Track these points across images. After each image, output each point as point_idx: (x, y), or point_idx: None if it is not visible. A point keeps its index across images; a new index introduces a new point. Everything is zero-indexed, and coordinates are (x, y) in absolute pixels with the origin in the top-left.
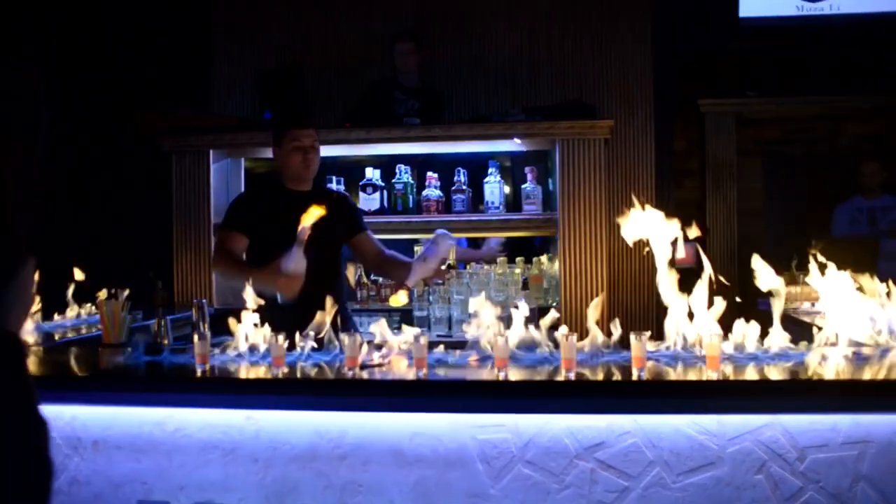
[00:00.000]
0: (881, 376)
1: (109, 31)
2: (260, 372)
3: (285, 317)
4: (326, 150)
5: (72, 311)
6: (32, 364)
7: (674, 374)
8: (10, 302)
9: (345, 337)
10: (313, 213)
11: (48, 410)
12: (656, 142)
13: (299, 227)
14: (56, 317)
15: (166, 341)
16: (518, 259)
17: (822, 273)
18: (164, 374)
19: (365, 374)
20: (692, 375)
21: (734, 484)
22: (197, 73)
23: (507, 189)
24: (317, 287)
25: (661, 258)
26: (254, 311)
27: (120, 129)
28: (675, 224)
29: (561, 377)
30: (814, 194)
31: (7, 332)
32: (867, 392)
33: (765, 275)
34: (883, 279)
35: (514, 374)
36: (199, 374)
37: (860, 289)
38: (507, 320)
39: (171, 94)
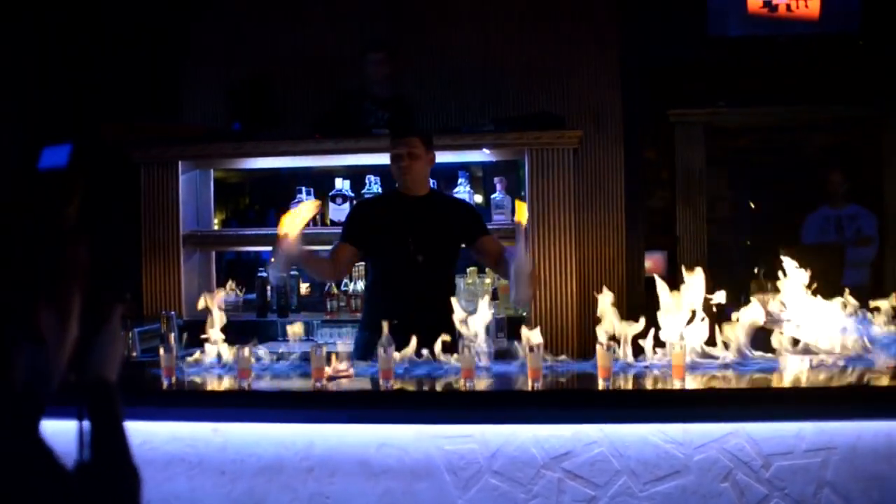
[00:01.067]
0: (844, 383)
1: (77, 42)
2: (226, 384)
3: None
4: (295, 161)
5: None
6: None
7: (640, 383)
8: (104, 349)
9: (312, 349)
10: (302, 212)
11: None
12: (626, 152)
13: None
14: None
15: (134, 353)
16: (488, 268)
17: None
18: (129, 387)
19: (331, 386)
20: (658, 384)
21: (700, 492)
22: (165, 84)
23: (477, 199)
24: (430, 290)
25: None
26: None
27: (86, 141)
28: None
29: (527, 387)
30: (781, 203)
31: (104, 379)
32: (830, 399)
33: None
34: (849, 286)
35: (481, 385)
36: (164, 386)
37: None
38: None
39: (139, 105)
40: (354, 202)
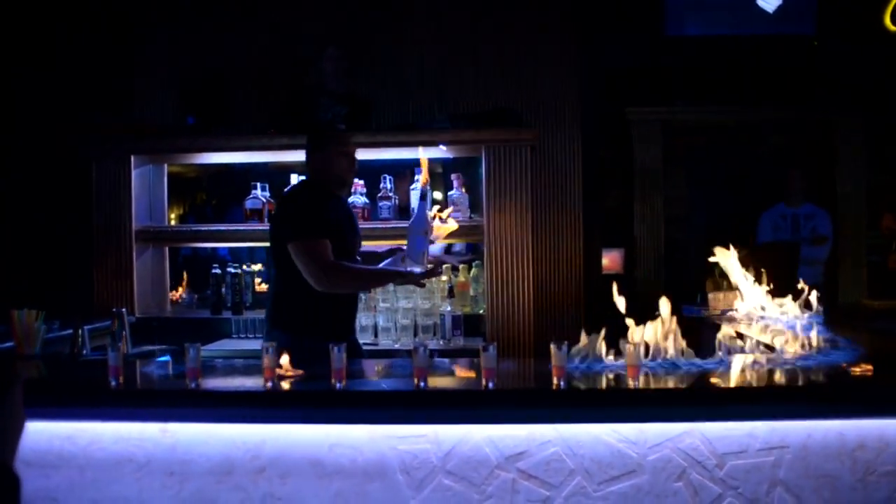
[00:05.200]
0: (796, 383)
1: (26, 39)
2: (175, 384)
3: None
4: (251, 157)
5: None
6: None
7: (594, 382)
8: (2, 429)
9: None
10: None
11: None
12: (583, 150)
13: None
14: None
15: (84, 352)
16: (444, 266)
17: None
18: (76, 387)
19: (282, 385)
20: (612, 384)
21: (654, 492)
22: (118, 80)
23: (435, 195)
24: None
25: None
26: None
27: (37, 136)
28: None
29: (481, 386)
30: (738, 202)
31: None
32: (783, 398)
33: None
34: (804, 284)
35: (435, 384)
36: (112, 385)
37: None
38: (433, 328)
39: (91, 102)
40: (310, 193)
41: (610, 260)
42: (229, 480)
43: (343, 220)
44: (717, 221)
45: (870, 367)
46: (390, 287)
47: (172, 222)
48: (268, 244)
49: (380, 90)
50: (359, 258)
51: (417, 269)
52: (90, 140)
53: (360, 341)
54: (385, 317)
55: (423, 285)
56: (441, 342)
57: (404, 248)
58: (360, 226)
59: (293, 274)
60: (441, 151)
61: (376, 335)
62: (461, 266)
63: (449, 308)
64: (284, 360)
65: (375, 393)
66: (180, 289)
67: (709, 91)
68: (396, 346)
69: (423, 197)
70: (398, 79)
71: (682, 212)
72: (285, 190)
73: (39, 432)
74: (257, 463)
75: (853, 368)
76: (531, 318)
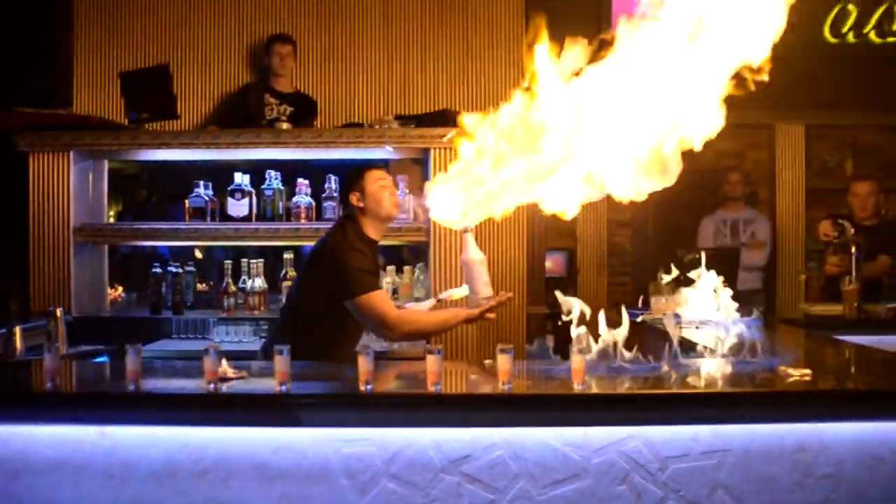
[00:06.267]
0: (739, 387)
1: None
2: (115, 385)
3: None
4: (194, 154)
5: None
6: None
7: (540, 386)
8: None
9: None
10: None
11: None
12: None
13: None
14: None
15: (17, 352)
16: (389, 268)
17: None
18: (10, 389)
19: (225, 388)
20: (557, 388)
21: (598, 495)
22: (58, 74)
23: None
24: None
25: None
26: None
27: None
28: None
29: (426, 390)
30: (681, 206)
31: None
32: (726, 403)
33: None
34: (742, 290)
35: (379, 387)
36: (48, 387)
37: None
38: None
39: (29, 95)
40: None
41: (553, 263)
42: (171, 484)
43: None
44: (660, 225)
45: (808, 371)
46: None
47: (111, 220)
48: (217, 242)
49: (326, 89)
50: None
51: (482, 303)
52: (27, 134)
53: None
54: None
55: (491, 319)
56: (384, 345)
57: (441, 298)
58: (305, 226)
59: (313, 322)
60: (387, 152)
61: None
62: (405, 267)
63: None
64: (225, 362)
65: (320, 396)
66: (119, 287)
67: None
68: None
69: (465, 231)
70: (345, 78)
71: (625, 216)
72: (325, 237)
73: None
74: (200, 466)
75: (792, 373)
76: None
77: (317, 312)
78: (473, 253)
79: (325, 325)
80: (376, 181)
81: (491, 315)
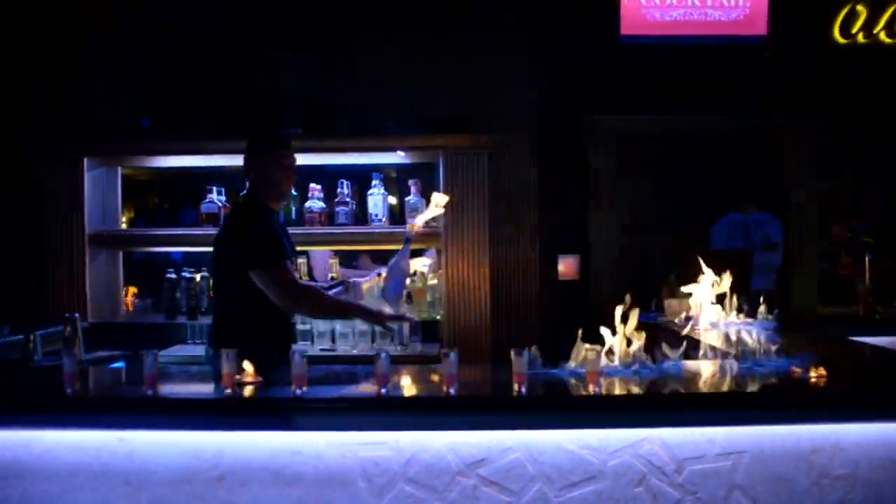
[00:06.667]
0: (754, 389)
1: None
2: (133, 391)
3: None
4: (207, 160)
5: None
6: None
7: (555, 388)
8: None
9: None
10: None
11: None
12: (540, 157)
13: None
14: None
15: (36, 358)
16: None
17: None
18: (30, 394)
19: (242, 393)
20: (572, 390)
21: (615, 497)
22: (72, 82)
23: (392, 201)
24: None
25: None
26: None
27: None
28: None
29: (442, 393)
30: (693, 209)
31: None
32: (741, 404)
33: None
34: (755, 292)
35: (396, 390)
36: (68, 393)
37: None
38: (391, 334)
39: (45, 104)
40: (259, 214)
41: (566, 266)
42: (188, 489)
43: (283, 237)
44: (672, 228)
45: (824, 372)
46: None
47: (124, 226)
48: None
49: (337, 95)
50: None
51: (388, 310)
52: (43, 142)
53: (318, 347)
54: (342, 323)
55: (390, 329)
56: (398, 348)
57: (350, 281)
58: (317, 231)
59: (238, 298)
60: (399, 157)
61: (334, 341)
62: (419, 272)
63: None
64: (246, 366)
65: (336, 400)
66: (133, 293)
67: (663, 99)
68: (354, 351)
69: (407, 240)
70: (355, 84)
71: (637, 218)
72: (228, 213)
73: None
74: (217, 471)
75: (808, 374)
76: (488, 323)
77: (232, 290)
78: (405, 263)
79: (254, 300)
80: (281, 160)
81: (392, 325)
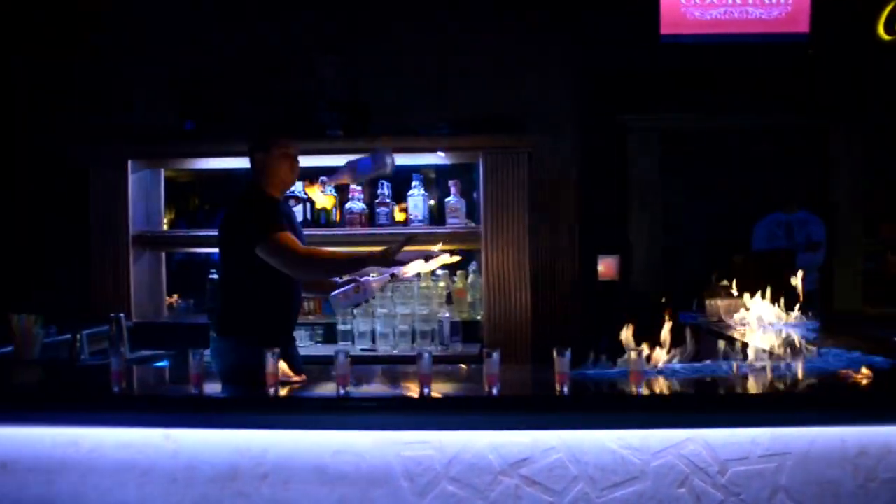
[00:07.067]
0: (799, 390)
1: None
2: (179, 389)
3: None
4: (245, 162)
5: None
6: None
7: (598, 388)
8: None
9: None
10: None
11: None
12: (580, 156)
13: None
14: None
15: (82, 357)
16: (441, 272)
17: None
18: (79, 392)
19: (286, 392)
20: (615, 391)
21: (657, 498)
22: (116, 86)
23: (431, 202)
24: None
25: None
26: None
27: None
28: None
29: (484, 393)
30: (734, 208)
31: None
32: (786, 406)
33: None
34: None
35: (438, 390)
36: (115, 391)
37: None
38: (431, 334)
39: (89, 108)
40: (259, 196)
41: (606, 266)
42: (233, 486)
43: (288, 223)
44: (714, 228)
45: (869, 373)
46: (388, 293)
47: (165, 227)
48: None
49: (378, 96)
50: None
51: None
52: (88, 145)
53: (359, 347)
54: (383, 323)
55: (395, 262)
56: (439, 348)
57: (361, 280)
58: (358, 232)
59: (243, 282)
60: (439, 157)
61: (374, 341)
62: (459, 272)
63: (447, 314)
64: (283, 365)
65: (379, 399)
66: (175, 294)
67: (704, 98)
68: (395, 351)
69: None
70: (394, 85)
71: (678, 218)
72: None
73: (41, 438)
74: (261, 469)
75: (853, 375)
76: (528, 323)
77: (243, 276)
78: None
79: (257, 284)
80: (280, 150)
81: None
